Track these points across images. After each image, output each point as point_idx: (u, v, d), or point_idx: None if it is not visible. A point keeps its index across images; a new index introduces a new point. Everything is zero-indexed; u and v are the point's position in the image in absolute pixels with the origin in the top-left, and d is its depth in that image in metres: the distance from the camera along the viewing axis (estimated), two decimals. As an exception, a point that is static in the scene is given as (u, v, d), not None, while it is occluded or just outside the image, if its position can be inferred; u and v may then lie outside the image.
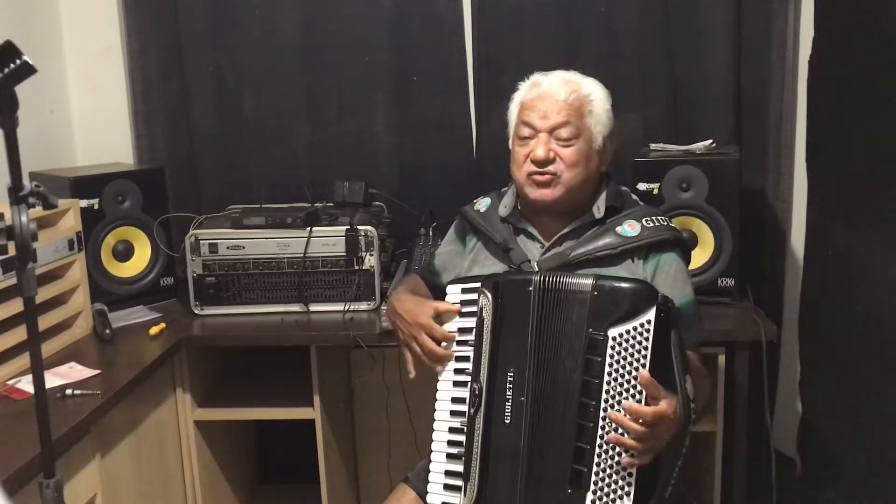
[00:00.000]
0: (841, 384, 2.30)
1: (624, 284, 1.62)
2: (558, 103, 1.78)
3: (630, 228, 1.80)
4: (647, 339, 1.56)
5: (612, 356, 1.58)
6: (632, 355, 1.57)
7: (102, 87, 2.90)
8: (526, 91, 1.85)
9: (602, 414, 1.58)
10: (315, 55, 2.82)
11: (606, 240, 1.79)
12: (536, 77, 1.87)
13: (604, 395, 1.58)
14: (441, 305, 1.81)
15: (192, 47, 2.84)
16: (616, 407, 1.57)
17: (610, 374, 1.58)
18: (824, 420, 2.45)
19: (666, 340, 1.58)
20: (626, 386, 1.57)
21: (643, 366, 1.56)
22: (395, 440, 2.80)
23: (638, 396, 1.56)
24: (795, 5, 2.60)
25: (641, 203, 1.91)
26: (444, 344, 1.79)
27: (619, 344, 1.58)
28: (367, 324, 2.38)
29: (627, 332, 1.57)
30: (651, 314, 1.56)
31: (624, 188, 1.93)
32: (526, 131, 1.81)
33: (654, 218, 1.82)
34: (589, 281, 1.63)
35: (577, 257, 1.79)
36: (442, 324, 1.81)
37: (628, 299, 1.59)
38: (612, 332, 1.58)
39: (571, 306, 1.63)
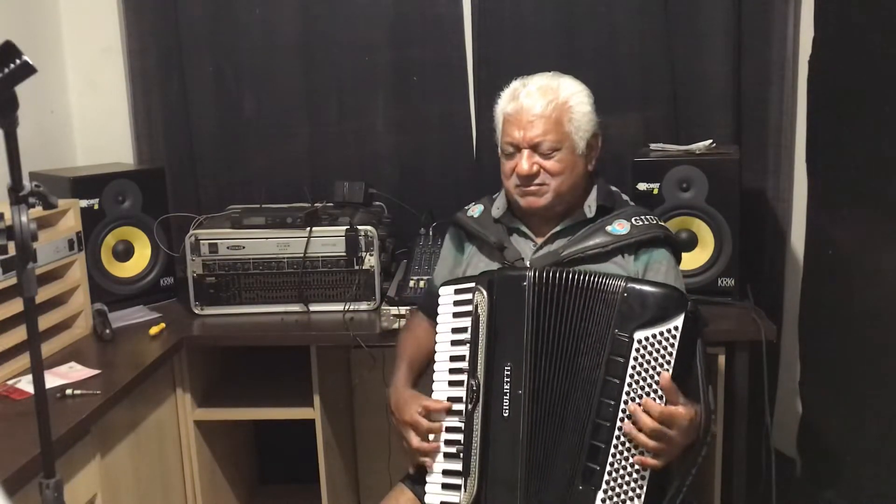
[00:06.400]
0: (841, 384, 2.30)
1: (655, 289, 1.63)
2: (535, 118, 1.78)
3: (620, 227, 1.82)
4: (672, 345, 1.57)
5: (635, 359, 1.58)
6: (656, 360, 1.57)
7: (102, 87, 2.90)
8: (507, 102, 1.85)
9: (620, 415, 1.58)
10: (315, 55, 2.82)
11: (597, 239, 1.81)
12: (515, 85, 1.86)
13: (623, 397, 1.58)
14: (431, 404, 1.78)
15: (192, 47, 2.84)
16: (637, 401, 1.57)
17: (632, 375, 1.58)
18: (824, 420, 2.44)
19: (692, 348, 1.59)
20: (647, 389, 1.57)
21: (666, 371, 1.56)
22: (395, 440, 2.78)
23: (658, 401, 1.56)
24: (795, 5, 2.60)
25: (632, 203, 1.94)
26: (432, 437, 1.77)
27: (644, 347, 1.58)
28: (367, 324, 2.38)
29: (654, 336, 1.58)
30: (679, 321, 1.57)
31: (614, 188, 1.95)
32: (509, 148, 1.82)
33: (643, 217, 1.84)
34: (620, 282, 1.63)
35: (569, 255, 1.80)
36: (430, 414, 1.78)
37: (658, 304, 1.59)
38: (639, 334, 1.59)
39: (594, 304, 1.64)
